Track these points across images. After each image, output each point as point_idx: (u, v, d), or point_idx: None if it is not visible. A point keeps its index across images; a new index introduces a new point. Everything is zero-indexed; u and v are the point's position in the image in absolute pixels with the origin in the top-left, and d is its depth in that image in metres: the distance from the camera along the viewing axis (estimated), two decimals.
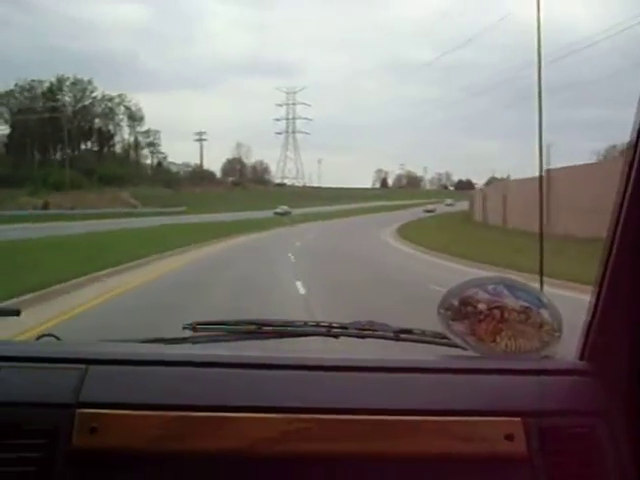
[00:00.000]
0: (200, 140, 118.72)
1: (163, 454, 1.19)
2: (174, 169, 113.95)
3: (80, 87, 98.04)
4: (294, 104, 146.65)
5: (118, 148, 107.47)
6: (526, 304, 1.47)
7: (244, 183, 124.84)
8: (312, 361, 1.36)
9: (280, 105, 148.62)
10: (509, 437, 1.22)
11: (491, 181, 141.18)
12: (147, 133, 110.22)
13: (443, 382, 1.31)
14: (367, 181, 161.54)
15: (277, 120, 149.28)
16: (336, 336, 1.67)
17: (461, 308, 1.49)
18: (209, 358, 1.35)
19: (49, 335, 1.66)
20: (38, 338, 1.66)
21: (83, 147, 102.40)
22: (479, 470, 1.22)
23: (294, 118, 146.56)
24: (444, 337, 1.54)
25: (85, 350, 1.39)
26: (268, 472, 1.21)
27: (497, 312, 1.47)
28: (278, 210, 70.39)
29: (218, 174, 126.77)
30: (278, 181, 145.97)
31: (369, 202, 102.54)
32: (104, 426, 1.18)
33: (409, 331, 1.65)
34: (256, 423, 1.20)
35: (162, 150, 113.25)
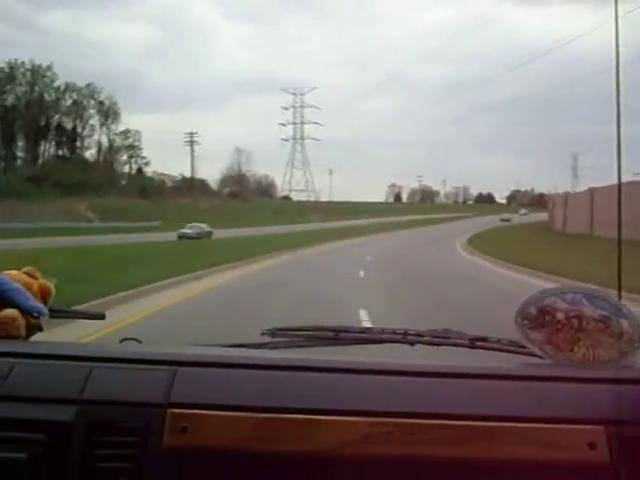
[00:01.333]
0: (191, 142, 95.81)
1: (252, 454, 1.22)
2: (160, 178, 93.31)
3: (38, 74, 77.91)
4: (302, 107, 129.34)
5: (89, 151, 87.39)
6: (605, 313, 1.46)
7: (244, 194, 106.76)
8: (393, 366, 1.38)
9: (286, 108, 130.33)
10: (592, 445, 1.22)
11: (514, 195, 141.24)
12: (125, 134, 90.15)
13: (522, 389, 1.32)
14: (379, 196, 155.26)
15: (283, 125, 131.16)
16: (412, 343, 1.70)
17: (539, 317, 1.49)
18: (295, 362, 1.39)
19: (131, 339, 1.72)
20: (121, 341, 1.71)
21: (42, 148, 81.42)
22: (561, 478, 1.22)
23: (302, 123, 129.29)
24: (520, 345, 1.55)
25: (173, 352, 1.44)
26: (353, 474, 1.23)
27: (575, 321, 1.47)
28: (186, 231, 44.80)
29: (214, 185, 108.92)
30: (285, 194, 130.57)
31: (387, 217, 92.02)
32: (195, 426, 1.22)
33: (484, 339, 1.66)
34: (341, 426, 1.23)
35: (144, 155, 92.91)
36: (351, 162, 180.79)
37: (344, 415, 1.24)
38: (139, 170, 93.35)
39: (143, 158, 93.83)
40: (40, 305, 1.60)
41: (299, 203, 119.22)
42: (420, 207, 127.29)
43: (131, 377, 1.31)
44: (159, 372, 1.31)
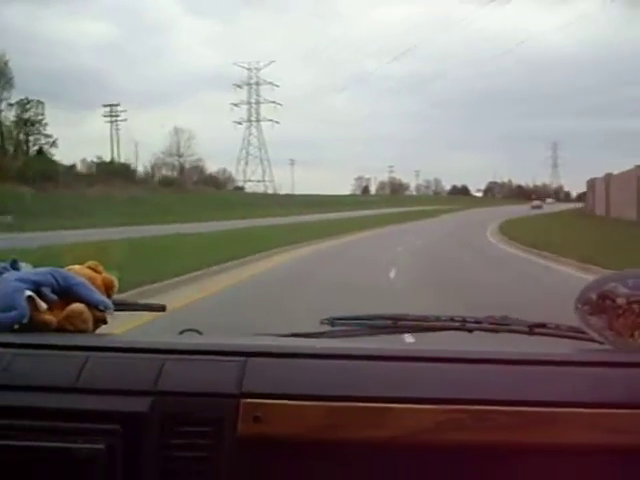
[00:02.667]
0: (111, 117, 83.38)
1: (324, 442, 1.25)
2: (69, 162, 73.60)
3: None
4: (257, 84, 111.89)
5: None
6: None
7: (182, 183, 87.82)
8: (456, 354, 1.40)
9: (239, 86, 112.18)
10: None
11: (491, 187, 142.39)
12: (23, 106, 71.23)
13: (583, 375, 1.32)
14: (345, 189, 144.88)
15: (235, 105, 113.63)
16: (470, 330, 1.71)
17: (599, 302, 1.49)
18: (359, 351, 1.41)
19: (190, 330, 1.75)
20: (181, 332, 1.75)
21: None
22: (624, 462, 1.23)
23: (258, 102, 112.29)
24: (580, 331, 1.55)
25: (241, 344, 1.46)
26: (425, 461, 1.25)
27: (636, 307, 1.46)
28: None
29: (146, 172, 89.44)
30: (239, 184, 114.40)
31: (356, 210, 78.91)
32: (267, 415, 1.25)
33: (543, 325, 1.67)
34: (411, 413, 1.25)
35: (48, 133, 73.57)
36: (315, 157, 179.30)
37: (412, 403, 1.26)
38: (39, 151, 73.11)
39: (47, 137, 74.50)
40: (105, 299, 1.64)
41: (254, 195, 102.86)
42: (391, 199, 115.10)
43: (203, 369, 1.34)
44: (230, 363, 1.34)
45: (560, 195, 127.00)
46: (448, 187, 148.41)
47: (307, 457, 1.26)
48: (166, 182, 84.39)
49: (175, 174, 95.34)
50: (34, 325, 1.52)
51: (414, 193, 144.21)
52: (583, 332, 1.53)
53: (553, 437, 1.23)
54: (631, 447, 1.23)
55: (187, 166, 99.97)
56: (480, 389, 1.28)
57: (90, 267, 1.70)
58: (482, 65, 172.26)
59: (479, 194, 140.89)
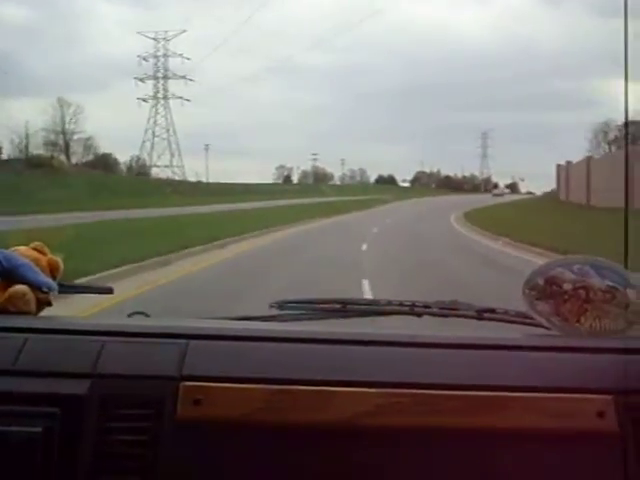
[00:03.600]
0: None
1: (264, 425, 1.25)
2: None
3: None
4: (166, 55, 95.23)
5: None
6: (612, 284, 1.47)
7: (58, 162, 70.09)
8: (402, 338, 1.40)
9: (144, 59, 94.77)
10: (600, 414, 1.24)
11: (420, 176, 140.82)
12: None
13: (529, 359, 1.34)
14: (267, 178, 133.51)
15: (140, 80, 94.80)
16: (419, 315, 1.71)
17: (546, 288, 1.50)
18: (305, 334, 1.40)
19: (138, 313, 1.73)
20: (129, 315, 1.72)
21: None
22: (569, 446, 1.25)
23: (165, 77, 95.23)
24: (527, 317, 1.56)
25: (185, 326, 1.45)
26: (365, 444, 1.25)
27: (582, 292, 1.48)
28: None
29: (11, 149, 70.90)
30: (144, 170, 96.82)
31: (277, 199, 63.84)
32: (208, 398, 1.24)
33: (492, 310, 1.68)
34: (353, 397, 1.25)
35: None
36: (236, 146, 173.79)
37: (355, 386, 1.26)
38: None
39: None
40: (50, 280, 1.62)
41: (157, 181, 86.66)
42: (314, 189, 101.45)
43: (143, 351, 1.32)
44: (171, 346, 1.32)
45: (489, 186, 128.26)
46: (374, 177, 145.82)
47: (248, 440, 1.25)
48: (36, 163, 63.79)
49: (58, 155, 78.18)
50: None
51: (338, 183, 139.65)
52: (531, 317, 1.54)
53: (499, 421, 1.24)
54: (577, 431, 1.24)
55: (75, 146, 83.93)
56: (425, 373, 1.28)
57: (35, 248, 1.67)
58: (407, 57, 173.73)
59: (406, 184, 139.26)
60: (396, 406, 1.24)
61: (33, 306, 1.57)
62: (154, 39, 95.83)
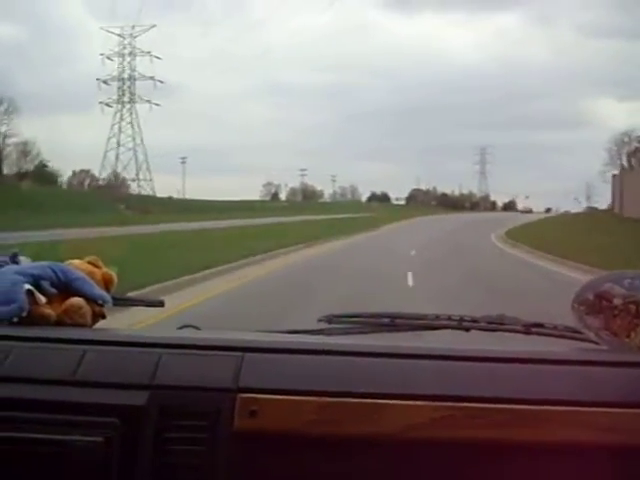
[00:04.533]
0: None
1: (319, 437, 1.26)
2: None
3: None
4: (132, 54, 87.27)
5: None
6: None
7: None
8: (452, 352, 1.41)
9: (109, 58, 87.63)
10: None
11: (415, 194, 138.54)
12: None
13: (578, 374, 1.34)
14: (254, 196, 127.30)
15: (104, 82, 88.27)
16: (467, 329, 1.72)
17: (596, 302, 1.50)
18: (356, 348, 1.42)
19: (189, 326, 1.76)
20: (180, 328, 1.76)
21: None
22: (620, 462, 1.25)
23: (132, 79, 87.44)
24: (576, 332, 1.56)
25: (239, 339, 1.47)
26: (418, 457, 1.26)
27: (633, 307, 1.47)
28: None
29: None
30: (102, 182, 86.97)
31: (261, 218, 57.66)
32: (264, 410, 1.26)
33: (540, 325, 1.68)
34: (405, 410, 1.26)
35: None
36: (220, 163, 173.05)
37: (407, 399, 1.27)
38: None
39: None
40: (104, 293, 1.65)
41: (108, 195, 74.91)
42: (304, 206, 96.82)
43: (200, 363, 1.35)
44: (227, 358, 1.35)
45: (487, 204, 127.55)
46: (366, 194, 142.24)
47: (302, 452, 1.27)
48: None
49: None
50: (33, 318, 1.52)
51: (328, 200, 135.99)
52: (579, 332, 1.55)
53: (547, 435, 1.24)
54: (626, 446, 1.24)
55: (8, 151, 73.72)
56: (475, 387, 1.29)
57: (90, 262, 1.71)
58: (399, 78, 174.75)
59: (401, 202, 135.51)
60: (448, 419, 1.25)
61: (89, 318, 1.60)
62: (119, 35, 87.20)
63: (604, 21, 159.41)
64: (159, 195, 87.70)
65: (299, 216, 63.04)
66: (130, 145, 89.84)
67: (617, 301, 1.49)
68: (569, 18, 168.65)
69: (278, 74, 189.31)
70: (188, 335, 1.62)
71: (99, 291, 1.64)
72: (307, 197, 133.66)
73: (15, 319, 1.50)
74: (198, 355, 1.37)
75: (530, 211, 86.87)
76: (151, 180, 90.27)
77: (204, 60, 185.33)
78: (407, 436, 1.25)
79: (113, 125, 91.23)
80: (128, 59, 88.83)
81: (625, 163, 69.73)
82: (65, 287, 1.60)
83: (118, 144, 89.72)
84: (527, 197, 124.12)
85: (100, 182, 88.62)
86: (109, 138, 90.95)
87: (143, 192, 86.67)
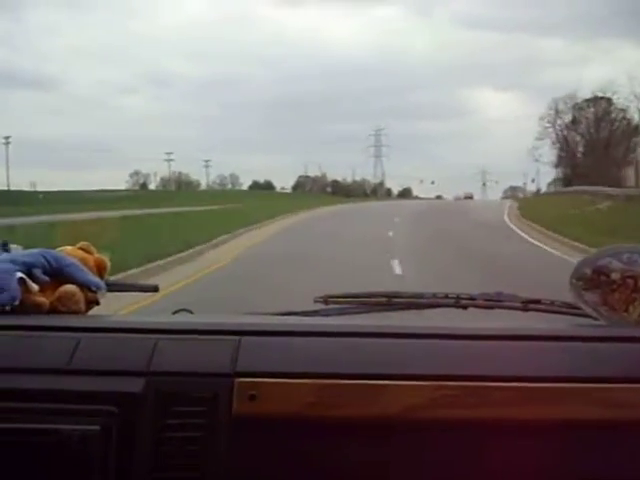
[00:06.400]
0: None
1: (319, 420, 1.25)
2: None
3: None
4: None
5: None
6: None
7: None
8: (451, 330, 1.40)
9: None
10: None
11: (303, 181, 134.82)
12: None
13: (577, 350, 1.33)
14: (120, 185, 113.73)
15: None
16: (465, 307, 1.71)
17: (594, 277, 1.49)
18: (353, 328, 1.41)
19: (183, 310, 1.74)
20: (174, 313, 1.74)
21: None
22: (622, 436, 1.25)
23: None
24: (574, 307, 1.56)
25: (235, 322, 1.45)
26: (420, 437, 1.26)
27: (631, 281, 1.47)
28: None
29: None
30: None
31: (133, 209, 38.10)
32: (262, 393, 1.25)
33: (538, 301, 1.67)
34: (404, 390, 1.25)
35: None
36: (86, 155, 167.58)
37: (406, 379, 1.26)
38: None
39: None
40: (98, 279, 1.63)
41: None
42: (178, 196, 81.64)
43: (197, 348, 1.33)
44: (224, 342, 1.33)
45: (382, 191, 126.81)
46: (248, 183, 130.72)
47: (302, 435, 1.26)
48: None
49: None
50: (26, 307, 1.50)
51: (205, 188, 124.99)
52: (578, 308, 1.54)
53: (548, 413, 1.24)
54: (625, 421, 1.24)
55: None
56: (475, 365, 1.28)
57: (82, 248, 1.69)
58: (278, 69, 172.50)
59: (287, 190, 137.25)
60: (447, 398, 1.24)
61: (82, 305, 1.58)
62: None
63: (480, 12, 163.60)
64: None
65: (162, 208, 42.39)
66: None
67: (615, 276, 1.49)
68: (446, 9, 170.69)
69: (159, 64, 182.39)
70: (183, 320, 1.60)
71: (92, 277, 1.61)
72: (182, 186, 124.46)
73: (7, 308, 1.46)
74: (194, 340, 1.35)
75: (471, 197, 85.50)
76: None
77: (80, 49, 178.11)
78: (407, 417, 1.24)
79: None
80: None
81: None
82: (57, 274, 1.57)
83: None
84: (433, 183, 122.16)
85: None
86: None
87: None
